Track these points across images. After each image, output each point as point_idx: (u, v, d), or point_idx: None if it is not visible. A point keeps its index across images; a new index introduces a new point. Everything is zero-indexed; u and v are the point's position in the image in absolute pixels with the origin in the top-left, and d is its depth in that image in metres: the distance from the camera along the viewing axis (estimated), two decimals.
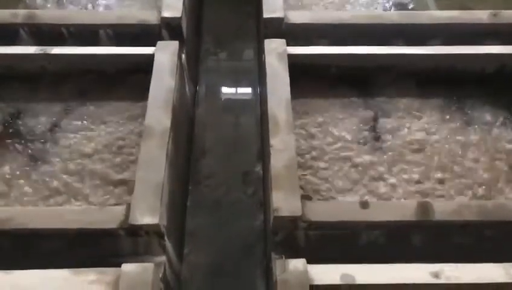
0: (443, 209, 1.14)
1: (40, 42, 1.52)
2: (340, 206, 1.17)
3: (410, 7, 1.80)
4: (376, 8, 1.77)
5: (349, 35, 1.55)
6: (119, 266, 1.02)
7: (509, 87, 1.51)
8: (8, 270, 1.02)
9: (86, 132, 1.39)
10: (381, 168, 1.32)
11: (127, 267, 1.02)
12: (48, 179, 1.28)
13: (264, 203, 1.49)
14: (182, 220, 1.53)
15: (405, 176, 1.30)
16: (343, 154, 1.35)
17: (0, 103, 1.46)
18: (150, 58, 1.43)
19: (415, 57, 1.50)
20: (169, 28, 1.57)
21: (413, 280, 1.03)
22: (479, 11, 1.62)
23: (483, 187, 1.28)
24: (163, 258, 1.14)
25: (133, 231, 1.10)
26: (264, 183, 1.55)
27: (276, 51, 1.46)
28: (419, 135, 1.40)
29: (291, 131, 1.26)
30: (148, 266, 1.03)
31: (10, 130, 1.40)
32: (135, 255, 1.12)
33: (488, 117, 1.46)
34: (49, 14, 1.62)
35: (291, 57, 1.44)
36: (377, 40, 1.52)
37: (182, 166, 1.54)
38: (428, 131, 1.41)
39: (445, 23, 1.59)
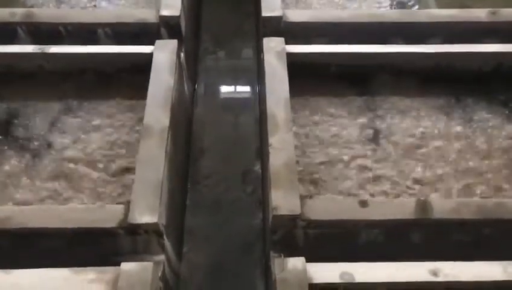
0: (442, 207, 1.14)
1: (38, 41, 1.52)
2: (339, 205, 1.17)
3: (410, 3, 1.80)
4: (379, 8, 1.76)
5: (349, 34, 1.55)
6: (119, 265, 1.02)
7: (507, 86, 1.52)
8: (8, 270, 1.02)
9: (84, 131, 1.39)
10: (380, 166, 1.32)
11: (127, 266, 1.02)
12: (45, 177, 1.28)
13: (263, 201, 1.50)
14: (181, 219, 1.53)
15: (404, 174, 1.30)
16: (342, 152, 1.35)
17: None
18: (149, 57, 1.43)
19: (414, 55, 1.50)
20: (168, 27, 1.57)
21: (412, 278, 1.03)
22: (478, 10, 1.62)
23: (483, 185, 1.28)
24: (162, 257, 1.14)
25: (132, 230, 1.10)
26: (263, 182, 1.55)
27: (274, 49, 1.46)
28: (419, 133, 1.40)
29: (290, 130, 1.26)
30: (148, 265, 1.03)
31: (7, 130, 1.39)
32: (134, 254, 1.12)
33: (486, 115, 1.46)
34: (47, 13, 1.61)
35: (290, 56, 1.44)
36: (376, 39, 1.52)
37: (180, 165, 1.54)
38: (427, 129, 1.41)
39: (444, 21, 1.59)
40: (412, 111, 1.46)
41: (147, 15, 1.58)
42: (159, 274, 1.09)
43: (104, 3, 1.77)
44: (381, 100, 1.49)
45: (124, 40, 1.53)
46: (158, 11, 1.56)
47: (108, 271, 1.02)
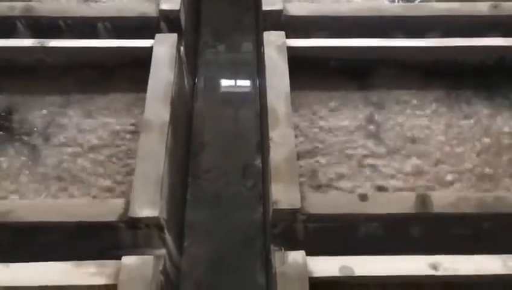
0: (442, 201, 1.14)
1: (37, 35, 1.52)
2: (339, 199, 1.18)
3: None
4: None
5: (349, 28, 1.55)
6: (120, 258, 1.03)
7: (509, 80, 1.51)
8: (8, 263, 1.02)
9: (84, 125, 1.39)
10: (381, 160, 1.32)
11: (127, 260, 1.02)
12: (46, 171, 1.28)
13: (264, 196, 1.50)
14: (182, 213, 1.53)
15: (404, 168, 1.30)
16: (343, 146, 1.35)
17: None
18: (149, 51, 1.42)
19: (415, 49, 1.49)
20: (167, 21, 1.56)
21: (411, 271, 1.04)
22: (479, 3, 1.61)
23: (483, 178, 1.28)
24: (163, 251, 1.15)
25: (133, 224, 1.10)
26: (263, 176, 1.55)
27: (275, 43, 1.45)
28: (419, 127, 1.40)
29: (291, 124, 1.26)
30: (148, 258, 1.03)
31: (7, 124, 1.39)
32: (135, 248, 1.12)
33: (487, 109, 1.45)
34: (46, 6, 1.60)
35: (291, 50, 1.44)
36: (377, 33, 1.52)
37: (181, 159, 1.55)
38: (427, 123, 1.41)
39: (445, 15, 1.58)
40: (412, 105, 1.46)
41: (147, 9, 1.57)
42: (160, 268, 1.09)
43: None
44: (382, 94, 1.48)
45: (123, 34, 1.52)
46: (158, 5, 1.56)
47: (109, 265, 1.02)
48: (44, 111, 1.43)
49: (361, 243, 1.17)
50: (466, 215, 1.14)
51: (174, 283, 1.30)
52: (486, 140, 1.38)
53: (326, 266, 1.04)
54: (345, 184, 1.26)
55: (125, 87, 1.47)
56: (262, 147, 1.56)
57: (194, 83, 1.91)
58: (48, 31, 1.53)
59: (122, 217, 1.09)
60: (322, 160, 1.32)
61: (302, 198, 1.12)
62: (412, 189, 1.25)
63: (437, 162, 1.32)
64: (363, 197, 1.14)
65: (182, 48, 1.54)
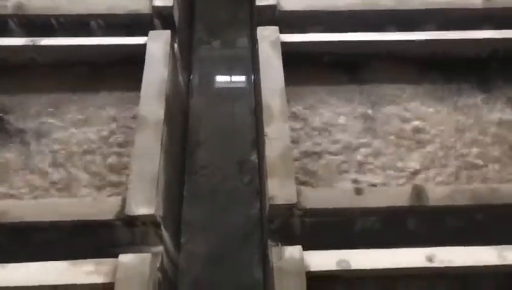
0: (437, 194, 1.15)
1: (29, 33, 1.50)
2: (335, 193, 1.18)
3: None
4: None
5: (343, 22, 1.54)
6: (117, 256, 1.03)
7: (503, 72, 1.52)
8: (5, 264, 1.02)
9: (77, 124, 1.38)
10: (376, 154, 1.32)
11: (124, 258, 1.02)
12: (39, 170, 1.28)
13: (260, 191, 1.50)
14: (179, 209, 1.53)
15: (399, 161, 1.31)
16: (338, 139, 1.35)
17: None
18: (142, 48, 1.42)
19: (410, 43, 1.49)
20: (161, 17, 1.55)
21: (407, 264, 1.05)
22: None
23: (478, 170, 1.29)
24: (160, 248, 1.15)
25: (130, 222, 1.10)
26: (259, 172, 1.55)
27: (269, 38, 1.45)
28: (414, 120, 1.41)
29: (286, 119, 1.26)
30: (146, 256, 1.03)
31: (0, 123, 1.39)
32: (132, 246, 1.12)
33: (481, 101, 1.46)
34: (38, 4, 1.59)
35: (285, 45, 1.44)
36: (372, 27, 1.51)
37: (177, 156, 1.54)
38: (422, 116, 1.42)
39: (439, 8, 1.58)
40: (407, 98, 1.46)
41: (140, 6, 1.56)
42: (158, 265, 1.09)
43: None
44: (377, 88, 1.49)
45: (116, 31, 1.51)
46: (151, 1, 1.55)
47: (106, 263, 1.02)
48: (37, 110, 1.42)
49: (358, 236, 1.18)
50: (461, 208, 1.14)
51: (172, 279, 1.30)
52: (481, 131, 1.38)
53: (323, 260, 1.04)
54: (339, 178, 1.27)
55: (118, 85, 1.46)
56: (258, 142, 1.56)
57: (189, 80, 1.90)
58: (40, 29, 1.52)
59: (118, 215, 1.09)
60: (317, 148, 1.32)
61: (298, 193, 1.12)
62: (407, 182, 1.26)
63: (432, 155, 1.32)
64: (359, 191, 1.15)
65: (175, 45, 1.54)
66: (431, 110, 1.44)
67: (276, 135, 1.22)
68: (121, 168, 1.28)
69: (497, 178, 1.27)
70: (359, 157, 1.32)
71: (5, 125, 1.38)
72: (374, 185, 1.25)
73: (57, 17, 1.54)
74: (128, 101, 1.43)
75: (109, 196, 1.21)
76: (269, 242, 1.14)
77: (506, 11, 1.57)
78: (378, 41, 1.49)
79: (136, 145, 1.20)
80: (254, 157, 1.67)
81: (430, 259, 1.05)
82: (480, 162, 1.31)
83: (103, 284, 0.99)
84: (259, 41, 1.45)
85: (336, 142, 1.35)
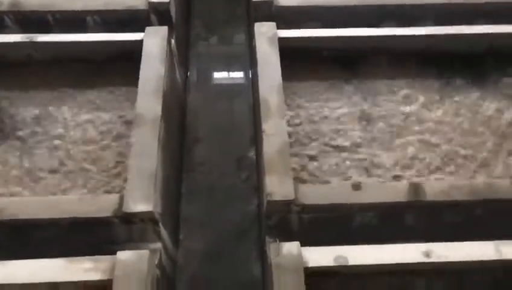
0: (434, 189, 1.15)
1: (26, 30, 1.49)
2: (333, 189, 1.18)
3: None
4: None
5: (340, 18, 1.54)
6: (115, 253, 1.03)
7: (499, 67, 1.52)
8: (3, 261, 1.02)
9: (74, 120, 1.38)
10: (373, 148, 1.32)
11: (123, 255, 1.02)
12: (37, 167, 1.27)
13: (258, 187, 1.50)
14: (177, 206, 1.53)
15: (397, 156, 1.31)
16: (335, 135, 1.35)
17: None
18: (139, 44, 1.41)
19: (406, 38, 1.49)
20: (157, 13, 1.54)
21: (405, 259, 1.05)
22: None
23: (475, 164, 1.29)
24: (158, 245, 1.15)
25: (128, 219, 1.10)
26: (257, 169, 1.55)
27: (266, 34, 1.44)
28: (411, 115, 1.41)
29: (283, 116, 1.26)
30: (144, 253, 1.03)
31: None
32: (130, 243, 1.12)
33: (478, 96, 1.46)
34: (34, 1, 1.57)
35: (282, 41, 1.43)
36: (369, 22, 1.51)
37: (174, 152, 1.54)
38: (419, 111, 1.42)
39: (436, 3, 1.58)
40: (404, 93, 1.46)
41: (136, 2, 1.55)
42: (156, 262, 1.09)
43: None
44: (374, 83, 1.49)
45: (113, 27, 1.50)
46: None
47: (104, 260, 1.02)
48: (34, 106, 1.41)
49: (356, 232, 1.18)
50: (458, 203, 1.15)
51: (170, 276, 1.30)
52: (478, 126, 1.39)
53: (321, 256, 1.04)
54: (337, 174, 1.27)
55: (115, 81, 1.46)
56: (256, 139, 1.56)
57: (187, 76, 1.90)
58: (36, 26, 1.51)
59: (116, 212, 1.09)
60: (314, 143, 1.32)
61: (296, 189, 1.12)
62: (405, 177, 1.26)
63: (429, 150, 1.33)
64: (356, 187, 1.15)
65: (172, 41, 1.53)
66: (428, 104, 1.44)
67: (274, 131, 1.22)
68: (119, 164, 1.27)
69: (495, 173, 1.27)
70: (356, 152, 1.32)
71: (2, 122, 1.38)
72: (371, 181, 1.25)
73: (53, 13, 1.54)
74: (125, 97, 1.43)
75: (107, 192, 1.21)
76: (267, 238, 1.14)
77: (503, 6, 1.57)
78: (376, 37, 1.48)
79: (133, 142, 1.20)
80: (252, 153, 1.67)
81: (427, 254, 1.05)
82: (476, 156, 1.31)
83: (101, 281, 0.99)
84: (256, 37, 1.44)
85: (332, 138, 1.35)
